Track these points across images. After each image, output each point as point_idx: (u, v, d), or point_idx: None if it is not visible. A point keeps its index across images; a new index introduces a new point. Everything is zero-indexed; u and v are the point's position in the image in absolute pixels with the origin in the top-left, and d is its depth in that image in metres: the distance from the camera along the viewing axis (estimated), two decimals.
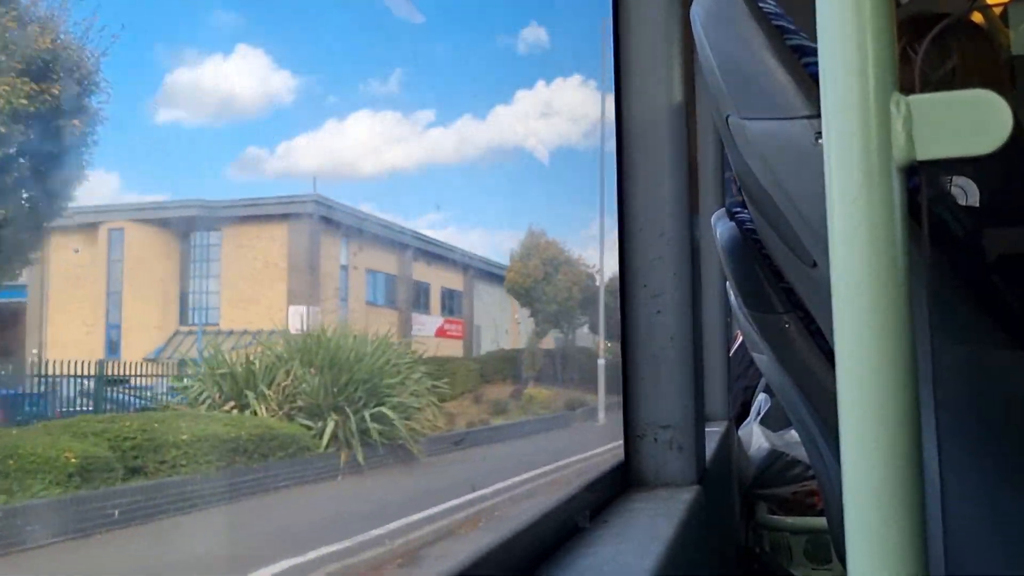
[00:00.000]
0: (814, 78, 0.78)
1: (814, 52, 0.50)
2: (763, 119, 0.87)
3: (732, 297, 1.54)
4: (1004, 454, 0.82)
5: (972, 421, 0.81)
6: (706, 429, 1.36)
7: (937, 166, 0.46)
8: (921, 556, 0.46)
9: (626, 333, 1.24)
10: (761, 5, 0.88)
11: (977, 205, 0.92)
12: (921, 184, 0.56)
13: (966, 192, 0.92)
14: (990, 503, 0.84)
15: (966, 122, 0.45)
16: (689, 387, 1.21)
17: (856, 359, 0.47)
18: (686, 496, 1.13)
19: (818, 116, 0.50)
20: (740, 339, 2.77)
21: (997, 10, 1.72)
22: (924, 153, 0.46)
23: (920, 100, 0.46)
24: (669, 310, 1.21)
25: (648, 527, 0.97)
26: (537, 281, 15.52)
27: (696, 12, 1.01)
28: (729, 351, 2.70)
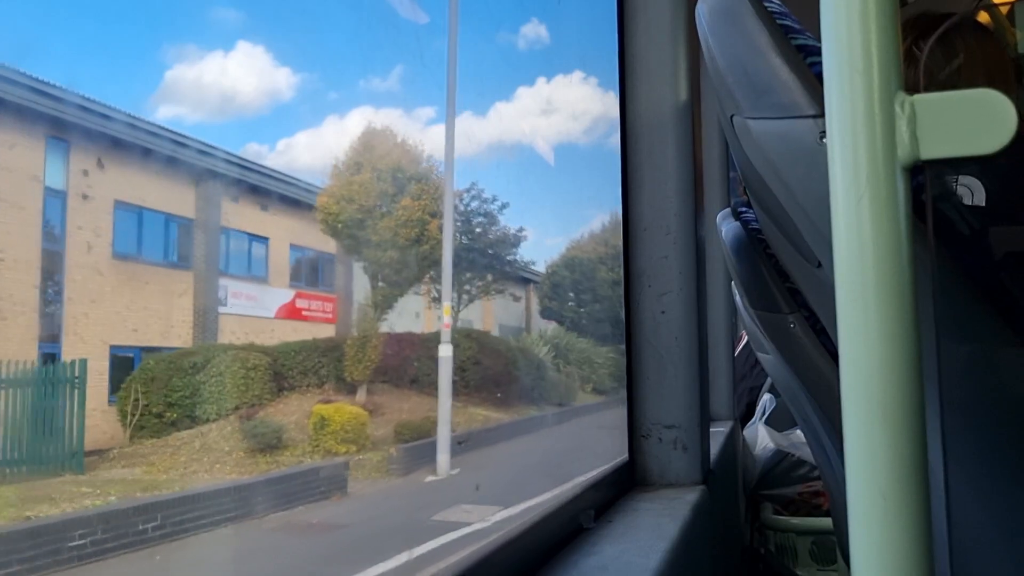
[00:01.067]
0: (819, 77, 0.78)
1: (819, 51, 0.50)
2: (768, 118, 0.87)
3: (737, 297, 1.53)
4: (1010, 453, 0.82)
5: (978, 420, 0.81)
6: (711, 429, 1.36)
7: (942, 165, 0.46)
8: (926, 557, 0.46)
9: (631, 332, 1.24)
10: (766, 4, 0.88)
11: (983, 204, 0.92)
12: (925, 183, 0.55)
13: (972, 191, 0.92)
14: (996, 503, 0.83)
15: (970, 121, 0.45)
16: (694, 387, 1.21)
17: (860, 358, 0.47)
18: (691, 496, 1.13)
19: (823, 115, 0.49)
20: (745, 339, 2.76)
21: (1004, 9, 1.71)
22: (928, 152, 0.46)
23: (924, 99, 0.46)
24: (674, 310, 1.21)
25: (652, 527, 0.97)
26: (366, 210, 8.62)
27: (701, 11, 1.01)
28: (734, 351, 2.69)
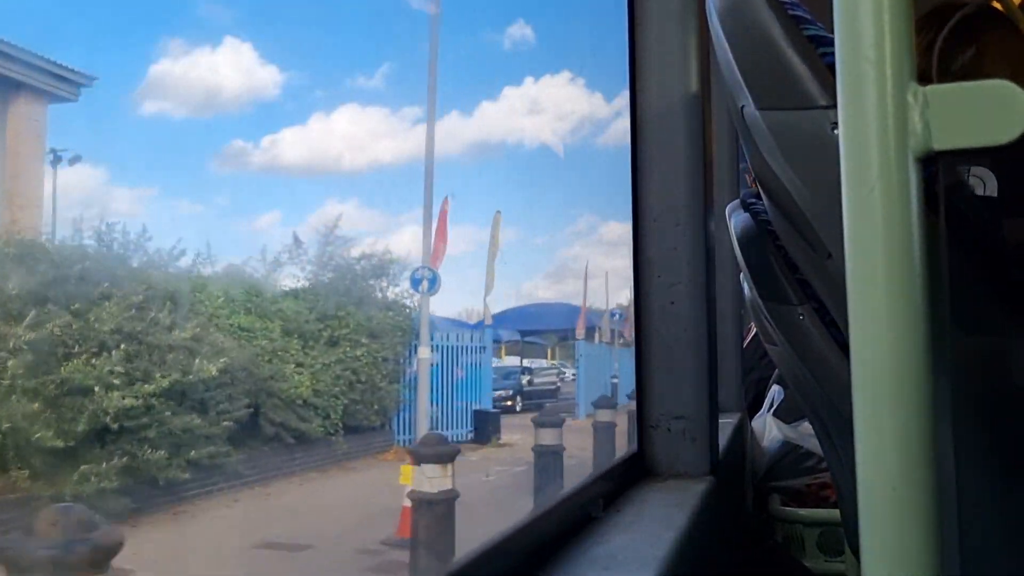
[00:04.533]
0: (831, 68, 0.78)
1: (831, 42, 0.50)
2: (779, 109, 0.87)
3: (746, 288, 1.53)
4: (1020, 446, 0.82)
5: (988, 412, 0.81)
6: (719, 420, 1.36)
7: (954, 156, 0.46)
8: (935, 550, 0.46)
9: (640, 323, 1.24)
10: None
11: (995, 195, 0.91)
12: (938, 174, 0.55)
13: (984, 182, 0.91)
14: (1006, 496, 0.83)
15: (983, 112, 0.45)
16: (703, 378, 1.21)
17: (871, 351, 0.47)
18: (699, 487, 1.13)
19: (834, 107, 0.49)
20: (754, 330, 2.76)
21: (1016, 0, 1.70)
22: (941, 143, 0.46)
23: (937, 90, 0.46)
24: (683, 300, 1.21)
25: (661, 517, 0.98)
26: None
27: (712, 2, 1.00)
28: (743, 342, 2.69)
